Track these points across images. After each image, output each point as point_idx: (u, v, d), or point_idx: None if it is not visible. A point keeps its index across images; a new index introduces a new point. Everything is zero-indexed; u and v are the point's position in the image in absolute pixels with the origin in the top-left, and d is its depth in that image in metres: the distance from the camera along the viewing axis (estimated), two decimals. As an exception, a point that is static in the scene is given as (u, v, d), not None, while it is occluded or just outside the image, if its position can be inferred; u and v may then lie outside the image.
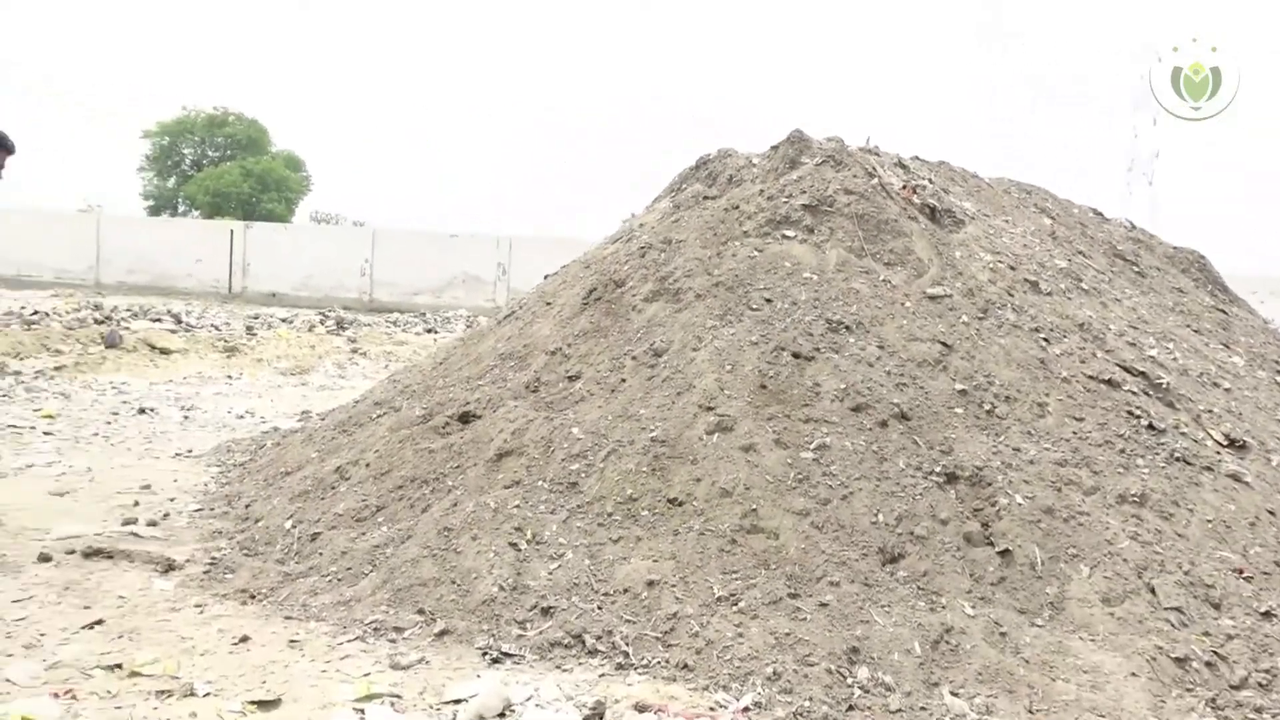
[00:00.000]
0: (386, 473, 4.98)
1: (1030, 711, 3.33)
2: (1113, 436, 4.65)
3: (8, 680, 3.24)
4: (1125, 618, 3.76)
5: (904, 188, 6.12)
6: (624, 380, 4.97)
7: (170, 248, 25.39)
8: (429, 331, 18.58)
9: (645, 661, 3.51)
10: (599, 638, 3.61)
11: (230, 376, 11.54)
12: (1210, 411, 5.10)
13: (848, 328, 5.01)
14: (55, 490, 5.72)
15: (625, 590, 3.84)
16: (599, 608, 3.77)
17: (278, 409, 9.38)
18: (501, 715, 3.14)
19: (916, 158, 7.03)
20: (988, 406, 4.71)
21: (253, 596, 4.12)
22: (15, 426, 7.47)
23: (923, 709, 3.31)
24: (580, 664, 3.52)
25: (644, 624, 3.68)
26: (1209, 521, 4.27)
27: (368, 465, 5.14)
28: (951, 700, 3.35)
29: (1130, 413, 4.81)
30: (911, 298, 5.30)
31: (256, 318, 18.61)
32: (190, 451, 7.11)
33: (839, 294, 5.22)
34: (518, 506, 4.28)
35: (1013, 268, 5.79)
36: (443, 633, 3.70)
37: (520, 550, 4.04)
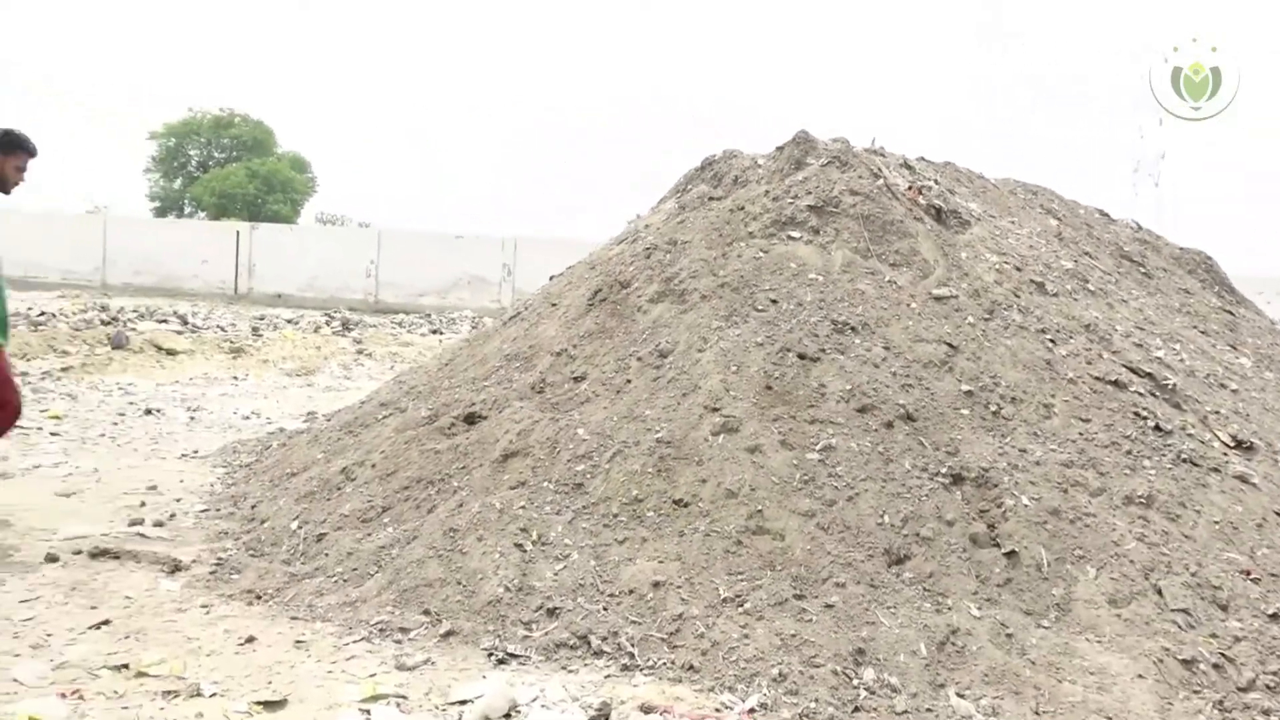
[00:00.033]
0: (392, 474, 4.98)
1: (1037, 713, 3.32)
2: (1119, 438, 4.64)
3: (15, 680, 3.25)
4: (1132, 619, 3.75)
5: (909, 188, 6.12)
6: (629, 381, 4.97)
7: (176, 249, 25.46)
8: (434, 332, 18.60)
9: (651, 662, 3.51)
10: (605, 639, 3.61)
11: (236, 377, 11.57)
12: (1217, 413, 5.08)
13: (853, 329, 5.00)
14: (62, 491, 5.73)
15: (631, 591, 3.84)
16: (605, 609, 3.77)
17: (283, 410, 9.39)
18: (507, 716, 3.14)
19: (922, 158, 7.02)
20: (994, 407, 4.70)
21: (259, 597, 4.12)
22: (22, 427, 7.48)
23: (929, 710, 3.31)
24: (586, 665, 3.52)
25: (649, 625, 3.68)
26: (1216, 523, 4.26)
27: (373, 466, 5.15)
28: (958, 702, 3.34)
29: (1137, 414, 4.80)
30: (917, 299, 5.29)
31: (262, 319, 18.65)
32: (196, 452, 7.12)
33: (844, 295, 5.21)
34: (523, 507, 4.28)
35: (1019, 269, 5.78)
36: (448, 633, 3.70)
37: (526, 551, 4.04)
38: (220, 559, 4.54)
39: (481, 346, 6.30)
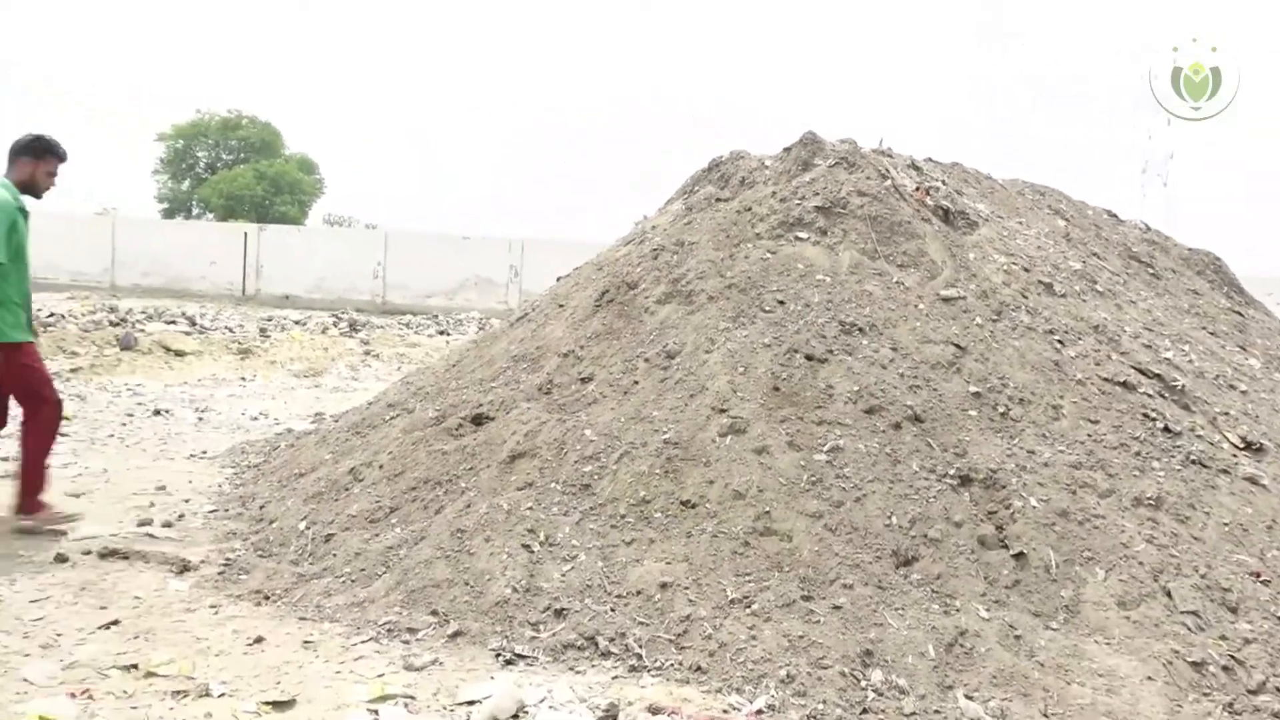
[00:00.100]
0: (400, 474, 4.99)
1: (1045, 715, 3.31)
2: (1128, 439, 4.62)
3: (25, 680, 3.27)
4: (1141, 621, 3.74)
5: (917, 189, 6.11)
6: (637, 382, 4.97)
7: (184, 250, 25.53)
8: (441, 333, 18.63)
9: (658, 664, 3.51)
10: (612, 640, 3.61)
11: (244, 378, 11.60)
12: (1227, 414, 5.07)
13: (861, 330, 5.00)
14: (71, 491, 5.75)
15: (638, 592, 3.84)
16: (612, 610, 3.77)
17: (291, 411, 9.42)
18: (515, 717, 3.14)
19: (929, 159, 7.01)
20: (1002, 409, 4.69)
21: (267, 597, 4.13)
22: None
23: (937, 712, 3.30)
24: (593, 666, 3.52)
25: (657, 626, 3.68)
26: (1225, 525, 4.24)
27: (381, 467, 5.16)
28: (966, 704, 3.33)
29: (1146, 415, 4.79)
30: (925, 300, 5.28)
31: (270, 320, 18.69)
32: (205, 453, 7.14)
33: (852, 296, 5.21)
34: (531, 508, 4.29)
35: (1027, 269, 5.77)
36: (456, 634, 3.71)
37: (533, 552, 4.05)
38: (229, 559, 4.55)
39: (489, 348, 6.31)
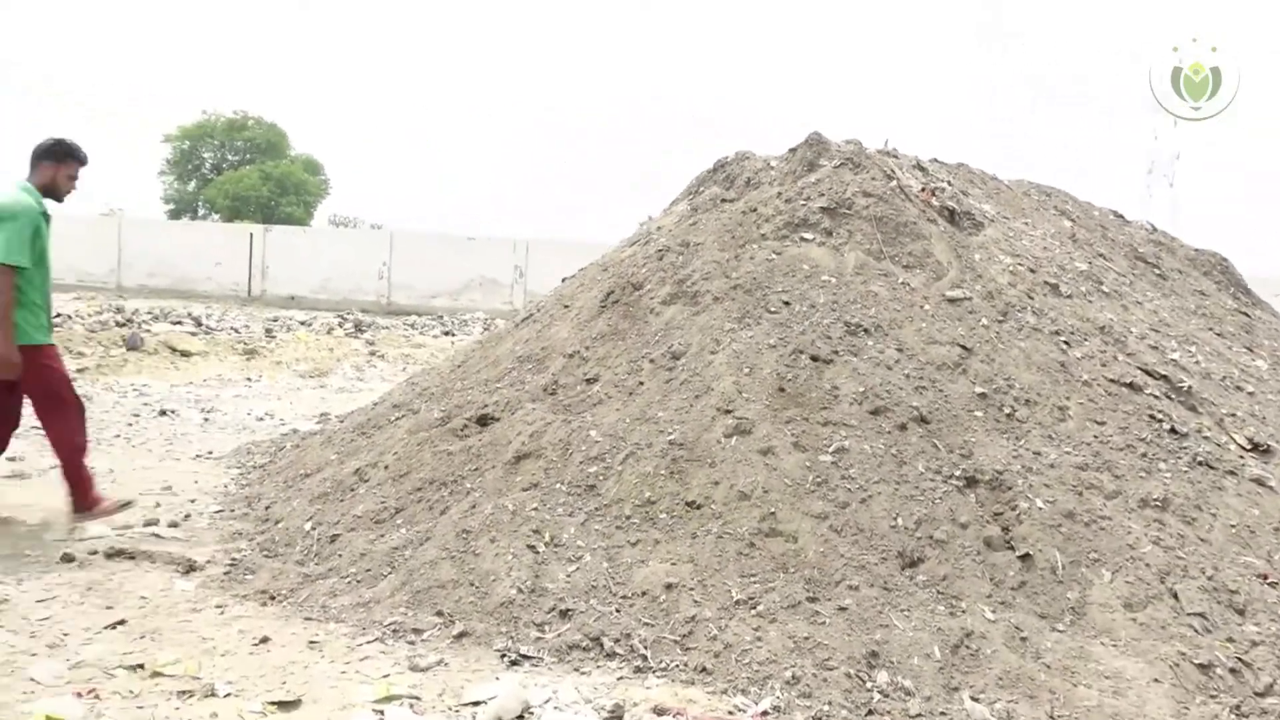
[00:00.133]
0: (405, 475, 5.00)
1: (1051, 717, 3.31)
2: (1134, 440, 4.61)
3: (32, 680, 3.27)
4: (1148, 623, 3.73)
5: (923, 190, 6.10)
6: (642, 383, 4.97)
7: (190, 251, 25.57)
8: (446, 334, 18.64)
9: (663, 665, 3.51)
10: (617, 640, 3.61)
11: (250, 379, 11.62)
12: (1233, 415, 5.05)
13: (866, 331, 4.99)
14: (78, 491, 5.77)
15: (643, 593, 3.84)
16: (617, 610, 3.77)
17: (297, 411, 9.43)
18: (520, 718, 3.14)
19: (935, 160, 7.01)
20: (1008, 410, 4.68)
21: (273, 598, 4.14)
22: (39, 428, 7.54)
23: (943, 714, 3.29)
24: (598, 667, 3.52)
25: (662, 627, 3.68)
26: (1232, 526, 4.23)
27: (386, 467, 5.16)
28: (972, 705, 3.33)
29: (1152, 416, 4.77)
30: (931, 300, 5.27)
31: (275, 320, 18.72)
32: (210, 453, 7.16)
33: (857, 297, 5.20)
34: (536, 509, 4.29)
35: (1033, 270, 5.76)
36: (461, 634, 3.71)
37: (538, 553, 4.05)
38: (234, 559, 4.56)
39: (494, 348, 6.31)
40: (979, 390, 4.75)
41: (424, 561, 4.12)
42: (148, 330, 14.43)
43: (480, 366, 6.05)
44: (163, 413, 8.75)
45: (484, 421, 5.19)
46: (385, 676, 3.41)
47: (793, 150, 6.40)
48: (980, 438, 4.50)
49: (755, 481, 4.22)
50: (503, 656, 3.56)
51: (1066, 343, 5.17)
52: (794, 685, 3.36)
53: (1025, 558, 3.99)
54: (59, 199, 5.10)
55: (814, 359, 4.81)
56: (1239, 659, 3.59)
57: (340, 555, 4.45)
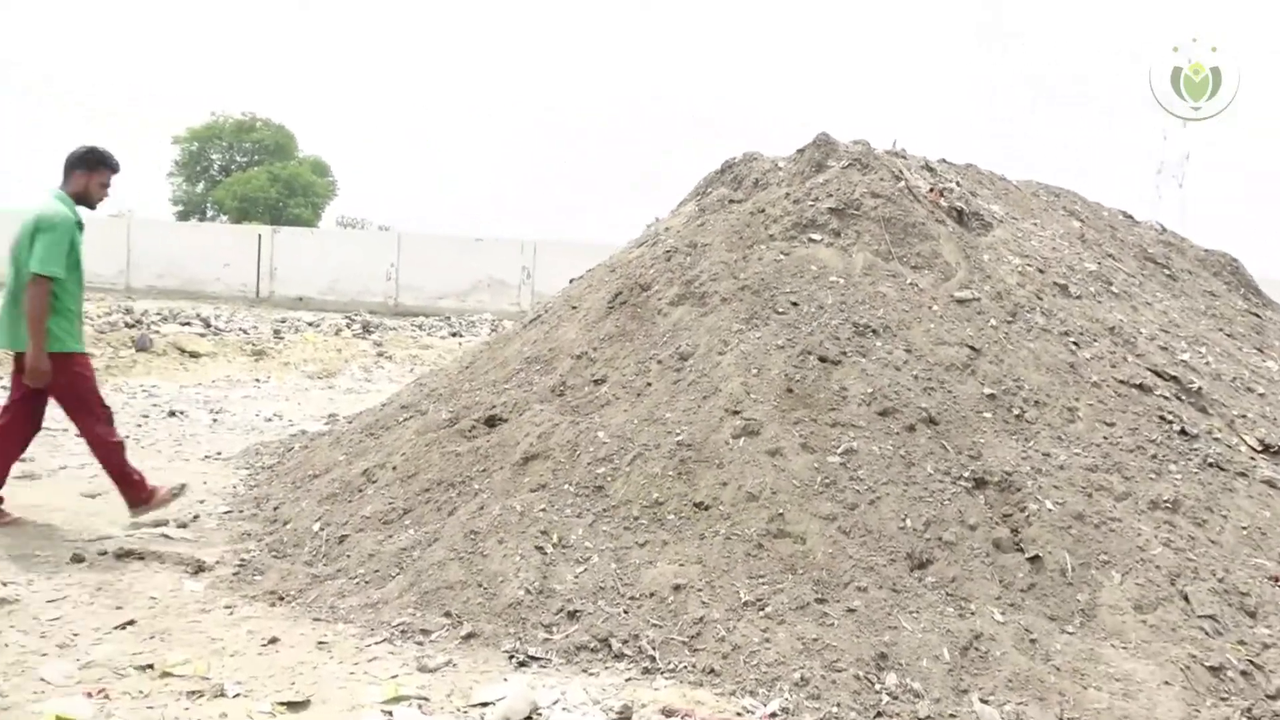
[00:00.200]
0: (413, 476, 5.00)
1: (1061, 720, 3.30)
2: (1144, 442, 4.59)
3: (42, 680, 3.28)
4: (1158, 625, 3.72)
5: (931, 190, 6.09)
6: (650, 384, 4.97)
7: (199, 252, 25.65)
8: (454, 335, 18.67)
9: (672, 666, 3.51)
10: (625, 642, 3.61)
11: (258, 380, 11.65)
12: (1244, 417, 5.03)
13: (875, 331, 4.98)
14: (88, 492, 5.79)
15: (651, 594, 3.83)
16: (625, 611, 3.77)
17: (305, 412, 9.45)
18: (528, 719, 3.14)
19: (944, 160, 6.99)
20: (1017, 411, 4.67)
21: (281, 598, 4.15)
22: (49, 429, 7.55)
23: (952, 716, 3.29)
24: (607, 668, 3.51)
25: (670, 628, 3.68)
26: (1243, 528, 4.21)
27: (394, 468, 5.17)
28: (981, 707, 3.32)
29: (1162, 418, 4.75)
30: (939, 301, 5.26)
31: (284, 321, 18.77)
32: (219, 454, 7.17)
33: (866, 298, 5.19)
34: (544, 510, 4.29)
35: (1042, 271, 5.74)
36: (469, 635, 3.71)
37: (546, 554, 4.05)
38: (243, 560, 4.57)
39: (502, 349, 6.32)
40: (988, 391, 4.73)
41: (432, 562, 4.13)
42: (156, 331, 14.48)
43: (488, 368, 6.05)
44: (172, 414, 8.77)
45: (492, 422, 5.19)
46: (394, 677, 3.41)
47: (800, 151, 6.40)
48: (989, 439, 4.49)
49: (763, 483, 4.22)
50: (511, 657, 3.57)
51: (1076, 344, 5.15)
52: (803, 687, 3.35)
53: (1035, 559, 3.98)
54: (92, 206, 5.19)
55: (822, 360, 4.80)
56: (1250, 661, 3.57)
57: (349, 556, 4.46)
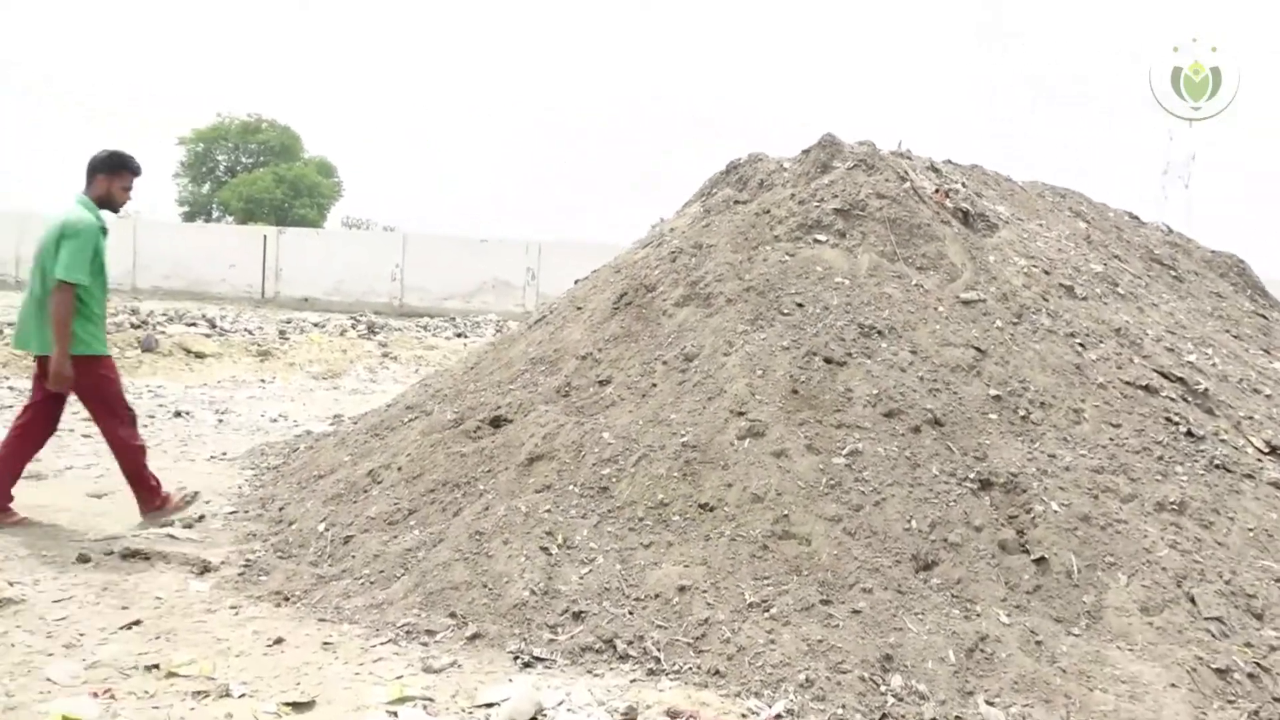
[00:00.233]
0: (418, 476, 5.01)
1: (1067, 722, 3.28)
2: (1150, 443, 4.58)
3: (49, 679, 3.29)
4: (1164, 627, 3.71)
5: (936, 192, 6.08)
6: (655, 385, 4.96)
7: (205, 253, 25.71)
8: (459, 336, 18.68)
9: (677, 667, 3.50)
10: (630, 643, 3.61)
11: (263, 380, 11.67)
12: (1251, 418, 5.01)
13: (880, 333, 4.98)
14: (94, 492, 5.80)
15: (656, 595, 3.83)
16: (630, 613, 3.76)
17: (310, 413, 9.46)
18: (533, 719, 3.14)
19: (949, 161, 6.98)
20: (1022, 412, 4.66)
21: (286, 599, 4.15)
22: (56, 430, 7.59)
23: (957, 718, 3.28)
24: (612, 669, 3.51)
25: (675, 629, 3.67)
26: (1250, 530, 4.20)
27: (399, 469, 5.17)
28: (987, 709, 3.31)
29: (1168, 419, 4.74)
30: (945, 302, 5.25)
31: (289, 322, 18.80)
32: (225, 454, 7.19)
33: (871, 299, 5.19)
34: (549, 511, 4.29)
35: (1047, 272, 5.73)
36: (474, 636, 3.71)
37: (551, 555, 4.05)
38: (249, 560, 4.57)
39: (507, 350, 6.32)
40: (993, 393, 4.72)
41: (437, 563, 4.13)
42: (162, 332, 14.50)
43: (493, 368, 6.06)
44: (177, 414, 8.79)
45: (497, 423, 5.19)
46: (399, 678, 3.41)
47: (806, 152, 6.39)
48: (995, 440, 4.48)
49: (768, 484, 4.21)
50: (516, 658, 3.57)
51: (1082, 345, 5.14)
52: (807, 688, 3.34)
53: (1040, 561, 3.97)
54: (115, 210, 5.27)
55: (827, 361, 4.80)
56: (1257, 664, 3.56)
57: (354, 557, 4.46)
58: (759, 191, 6.27)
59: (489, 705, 3.23)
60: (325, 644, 3.70)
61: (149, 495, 5.19)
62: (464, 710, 3.22)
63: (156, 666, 3.43)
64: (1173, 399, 4.90)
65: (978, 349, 4.95)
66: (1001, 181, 7.23)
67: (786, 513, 4.10)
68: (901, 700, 3.34)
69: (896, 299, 5.21)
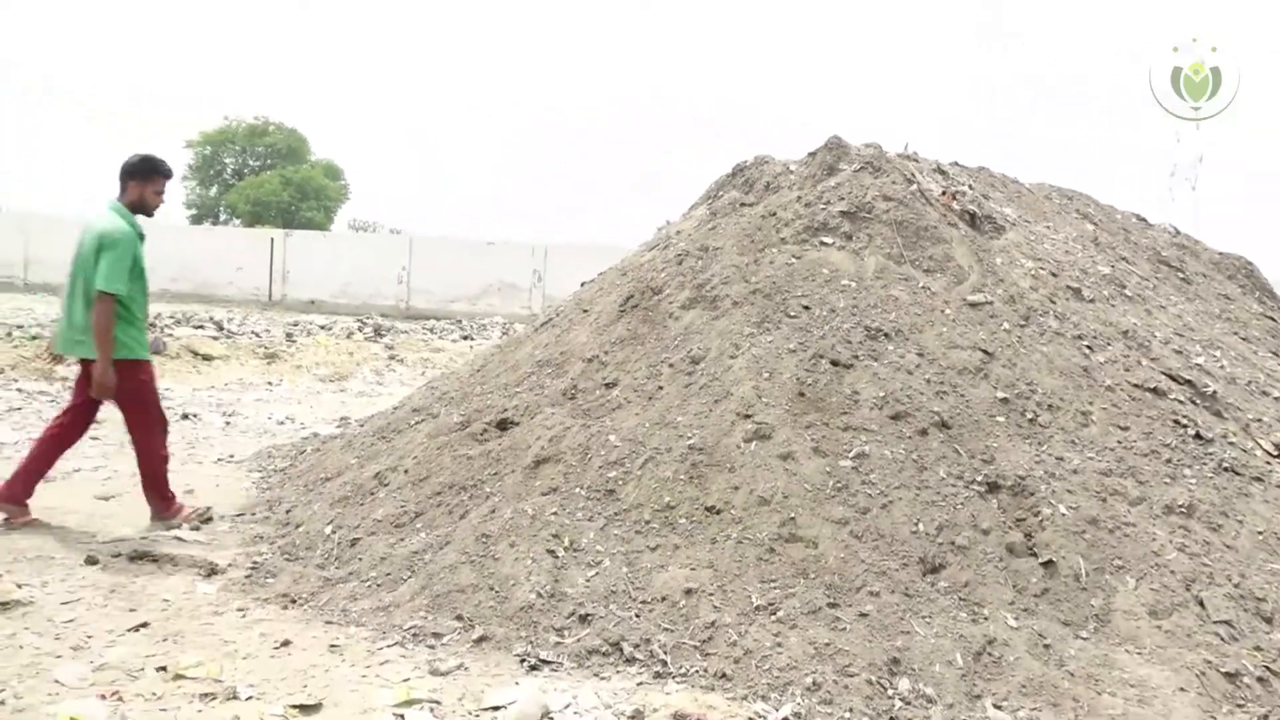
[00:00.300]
0: (425, 479, 5.01)
1: (1075, 726, 3.27)
2: (1159, 446, 4.57)
3: (57, 681, 3.30)
4: (1173, 631, 3.69)
5: (943, 194, 6.07)
6: (661, 388, 4.96)
7: (212, 256, 25.79)
8: (465, 338, 18.70)
9: (683, 670, 3.50)
10: (637, 646, 3.60)
11: (270, 383, 11.69)
12: (1260, 420, 4.99)
13: (887, 335, 4.97)
14: (101, 494, 5.82)
15: (663, 598, 3.83)
16: (637, 615, 3.76)
17: (317, 415, 9.48)
18: (540, 722, 3.14)
19: (956, 163, 6.97)
20: (1030, 415, 4.65)
21: (294, 601, 4.16)
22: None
23: (965, 722, 3.27)
24: (618, 672, 3.51)
25: (682, 632, 3.67)
26: (1259, 533, 4.18)
27: (406, 471, 5.18)
28: (994, 713, 3.30)
29: (1176, 422, 4.72)
30: (951, 305, 5.24)
31: (296, 325, 18.84)
32: (232, 457, 7.20)
33: (878, 301, 5.18)
34: (555, 514, 4.29)
35: (1055, 274, 5.72)
36: (481, 639, 3.71)
37: (558, 557, 4.05)
38: (256, 563, 4.58)
39: (513, 353, 6.32)
40: (1001, 395, 4.71)
41: (444, 566, 4.13)
42: (170, 334, 14.55)
43: (499, 371, 6.06)
44: (185, 416, 8.81)
45: (503, 426, 5.20)
46: (405, 680, 3.42)
47: (812, 154, 6.39)
48: (1002, 443, 4.47)
49: (775, 487, 4.21)
50: (522, 661, 3.56)
51: (1089, 347, 5.12)
52: (815, 692, 3.34)
53: (1048, 564, 3.96)
54: (149, 214, 5.33)
55: (834, 363, 4.79)
56: (1267, 668, 3.54)
57: (360, 559, 4.47)
58: (765, 194, 6.26)
59: (496, 708, 3.22)
60: (332, 646, 3.70)
61: (163, 505, 5.24)
62: (470, 713, 3.22)
63: (164, 668, 3.44)
64: (1181, 401, 4.88)
65: (985, 351, 4.94)
66: (1008, 183, 7.22)
67: (793, 515, 4.09)
68: (909, 704, 3.33)
69: (903, 301, 5.20)
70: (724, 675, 3.46)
